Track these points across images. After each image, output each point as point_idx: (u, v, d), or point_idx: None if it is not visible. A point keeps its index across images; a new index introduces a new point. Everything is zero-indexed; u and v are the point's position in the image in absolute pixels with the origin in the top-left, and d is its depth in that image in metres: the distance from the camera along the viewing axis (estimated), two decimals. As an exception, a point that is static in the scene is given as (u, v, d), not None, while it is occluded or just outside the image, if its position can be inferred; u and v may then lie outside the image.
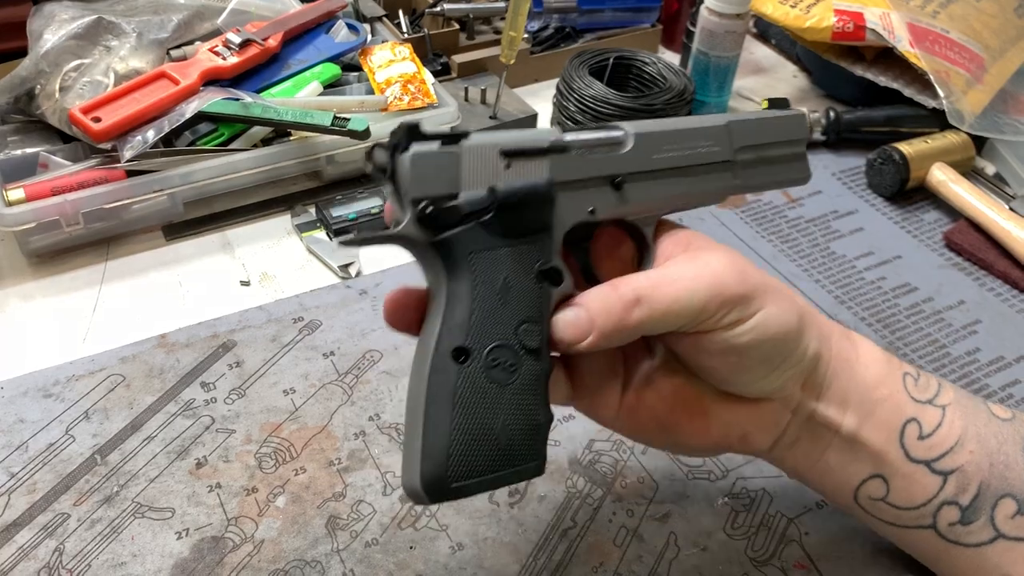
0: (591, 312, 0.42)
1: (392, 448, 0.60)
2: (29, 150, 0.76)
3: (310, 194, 0.80)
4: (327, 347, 0.66)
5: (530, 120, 0.89)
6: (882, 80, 0.91)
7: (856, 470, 0.49)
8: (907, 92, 0.90)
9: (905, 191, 0.84)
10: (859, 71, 0.93)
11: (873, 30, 0.89)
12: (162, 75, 0.76)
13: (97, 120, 0.72)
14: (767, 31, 1.09)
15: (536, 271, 0.42)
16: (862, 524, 0.56)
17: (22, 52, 0.78)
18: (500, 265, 0.41)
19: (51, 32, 0.77)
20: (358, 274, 0.73)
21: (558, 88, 0.90)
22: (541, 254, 0.42)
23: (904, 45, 0.88)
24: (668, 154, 0.46)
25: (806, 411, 0.49)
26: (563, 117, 0.89)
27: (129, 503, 0.55)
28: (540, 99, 0.94)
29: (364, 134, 0.76)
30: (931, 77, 0.85)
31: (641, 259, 0.47)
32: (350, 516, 0.56)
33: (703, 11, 0.90)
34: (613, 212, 0.45)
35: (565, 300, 0.43)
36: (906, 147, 0.84)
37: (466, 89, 0.91)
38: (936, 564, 0.51)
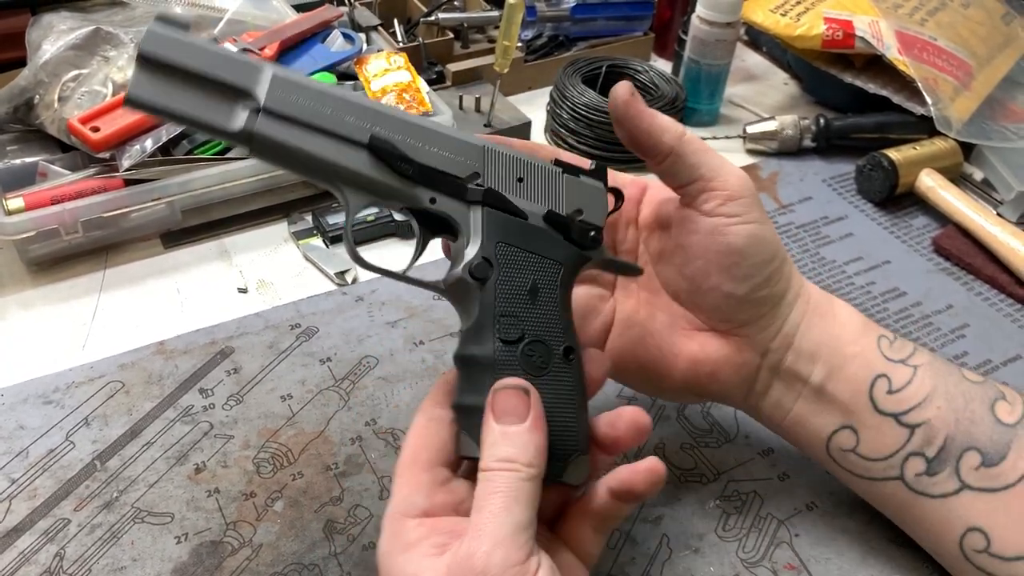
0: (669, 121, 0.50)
1: (388, 453, 0.61)
2: (28, 159, 0.77)
3: (307, 202, 0.81)
4: (324, 353, 0.67)
5: (524, 128, 0.90)
6: (871, 87, 0.92)
7: (826, 421, 0.53)
8: (896, 99, 0.91)
9: (894, 197, 0.85)
10: (849, 78, 0.94)
11: (862, 38, 0.90)
12: (160, 85, 0.77)
13: (96, 130, 0.73)
14: (758, 39, 1.11)
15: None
16: (852, 526, 0.57)
17: (21, 62, 0.79)
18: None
19: (50, 42, 0.78)
20: (354, 281, 0.74)
21: (551, 96, 0.91)
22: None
23: (893, 52, 0.89)
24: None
25: (776, 358, 0.53)
26: (556, 125, 0.90)
27: (129, 508, 0.56)
28: (534, 107, 0.95)
29: (360, 142, 0.77)
30: (919, 84, 0.86)
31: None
32: (347, 520, 0.56)
33: (694, 20, 0.91)
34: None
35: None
36: (895, 153, 0.85)
37: (461, 98, 0.92)
38: (904, 517, 0.53)
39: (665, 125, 0.49)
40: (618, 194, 0.51)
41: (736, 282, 0.50)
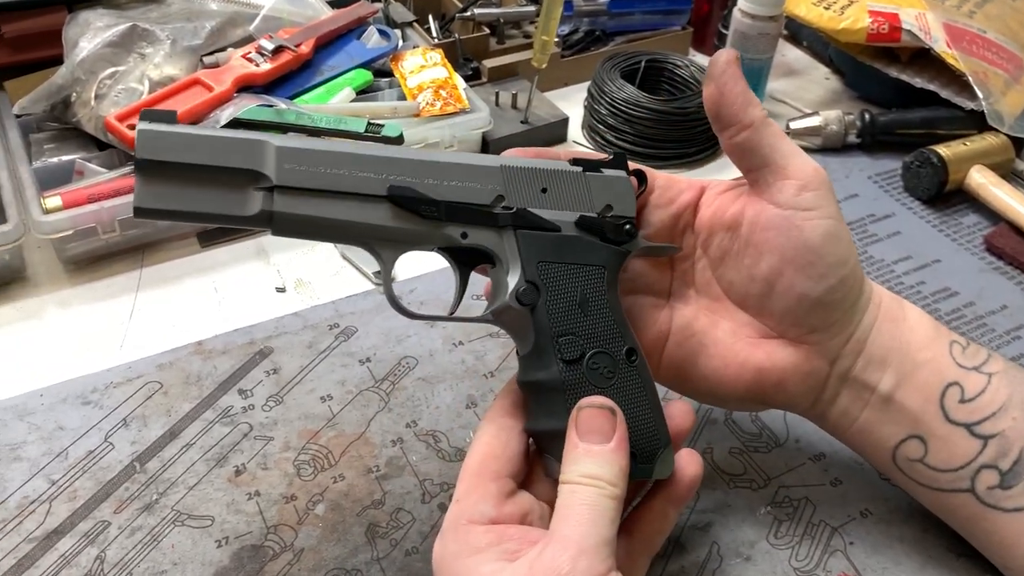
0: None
1: (430, 456, 0.59)
2: (65, 157, 0.77)
3: (343, 200, 0.80)
4: (363, 353, 0.66)
5: (562, 124, 0.89)
6: (918, 81, 0.90)
7: (894, 430, 0.50)
8: (944, 93, 0.88)
9: (943, 194, 0.83)
10: (894, 73, 0.92)
11: (909, 31, 0.88)
12: (196, 82, 0.77)
13: (133, 127, 0.72)
14: (799, 33, 1.08)
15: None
16: (908, 534, 0.55)
17: (57, 60, 0.78)
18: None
19: (87, 40, 0.77)
20: (392, 280, 0.73)
21: (589, 91, 0.90)
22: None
23: (941, 46, 0.87)
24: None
25: (845, 365, 0.50)
26: (594, 121, 0.88)
27: (169, 511, 0.55)
28: (571, 103, 0.93)
29: (398, 140, 0.75)
30: (969, 78, 0.84)
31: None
32: (389, 524, 0.55)
33: (736, 13, 0.89)
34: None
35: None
36: (944, 149, 0.82)
37: (497, 94, 0.91)
38: (972, 530, 0.51)
39: (754, 100, 0.48)
40: (641, 177, 0.50)
41: (812, 282, 0.48)
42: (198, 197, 0.42)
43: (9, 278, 0.71)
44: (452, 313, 0.49)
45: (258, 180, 0.43)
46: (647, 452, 0.45)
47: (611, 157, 0.50)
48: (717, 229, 0.52)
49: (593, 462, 0.41)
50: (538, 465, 0.47)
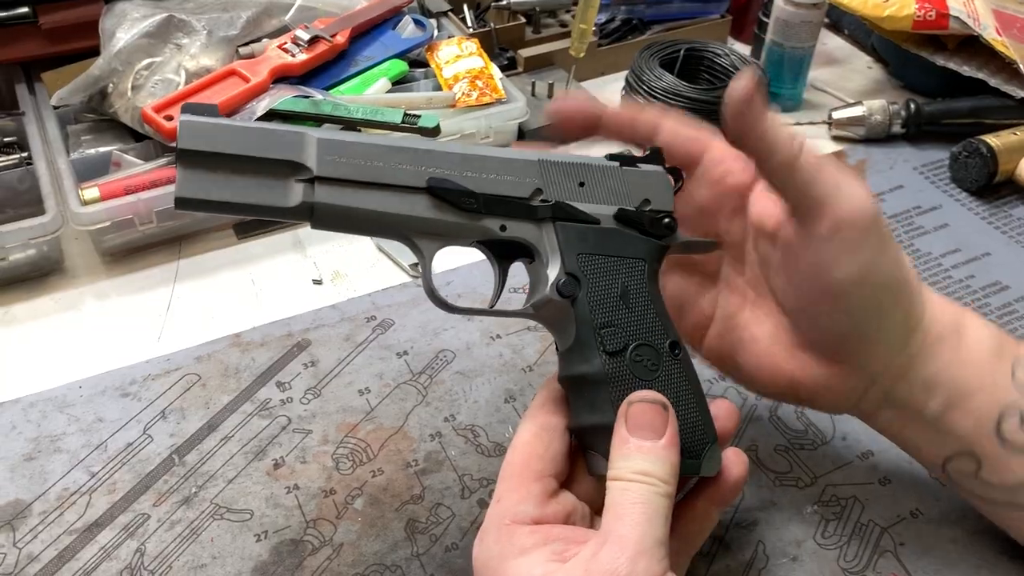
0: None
1: (468, 450, 0.59)
2: (102, 149, 0.77)
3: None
4: (400, 346, 0.66)
5: (599, 114, 0.88)
6: (966, 70, 0.88)
7: (943, 448, 0.48)
8: (993, 82, 0.86)
9: (992, 185, 0.80)
10: (941, 61, 0.89)
11: (957, 18, 0.86)
12: (232, 72, 0.76)
13: (169, 118, 0.72)
14: (840, 21, 1.06)
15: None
16: (960, 535, 0.54)
17: (94, 51, 0.78)
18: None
19: (123, 31, 0.77)
20: (429, 272, 0.72)
21: (627, 80, 0.88)
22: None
23: (990, 33, 0.84)
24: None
25: (886, 385, 0.48)
26: (633, 111, 0.87)
27: (208, 504, 0.55)
28: (607, 92, 0.92)
29: (434, 131, 0.75)
30: (1020, 66, 0.82)
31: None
32: (429, 520, 0.55)
33: (778, 1, 0.87)
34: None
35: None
36: (993, 139, 0.80)
37: (533, 84, 0.90)
38: None
39: (779, 142, 0.43)
40: (676, 174, 0.49)
41: (841, 314, 0.46)
42: (239, 188, 0.42)
43: (47, 269, 0.71)
44: (492, 306, 0.48)
45: (299, 171, 0.43)
46: (694, 448, 0.44)
47: (648, 152, 0.49)
48: (761, 234, 0.49)
49: (645, 459, 0.40)
50: (578, 465, 0.46)
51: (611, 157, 0.48)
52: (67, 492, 0.56)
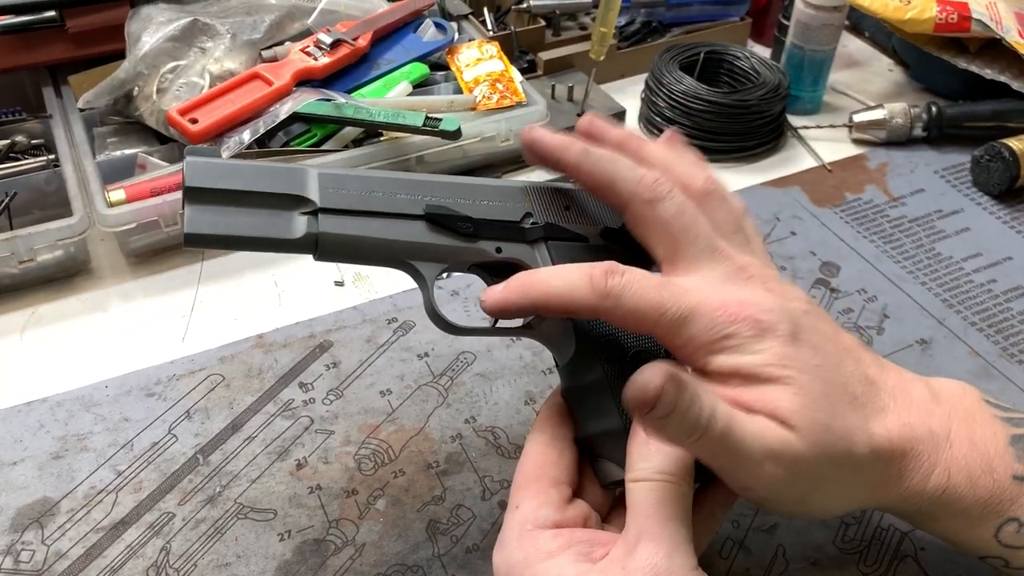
0: None
1: (489, 452, 0.59)
2: (127, 151, 0.77)
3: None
4: (421, 348, 0.66)
5: (619, 117, 0.88)
6: (988, 73, 0.87)
7: (976, 534, 0.45)
8: (1015, 85, 0.86)
9: (1014, 189, 0.80)
10: (963, 64, 0.89)
11: (979, 20, 0.85)
12: (256, 76, 0.77)
13: (194, 121, 0.73)
14: (860, 23, 1.06)
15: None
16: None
17: (120, 55, 0.79)
18: None
19: (148, 34, 0.78)
20: (449, 276, 0.73)
21: (647, 84, 0.88)
22: None
23: (1013, 35, 0.84)
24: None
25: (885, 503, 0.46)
26: (652, 113, 0.87)
27: (232, 504, 0.56)
28: (627, 95, 0.92)
29: (455, 134, 0.75)
30: (1042, 69, 0.81)
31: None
32: (450, 520, 0.55)
33: (798, 3, 0.87)
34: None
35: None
36: (1015, 143, 0.80)
37: (553, 87, 0.90)
38: None
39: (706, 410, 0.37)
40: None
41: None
42: (245, 223, 0.44)
43: (74, 270, 0.72)
44: (494, 325, 0.49)
45: (302, 204, 0.45)
46: None
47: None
48: None
49: (664, 458, 0.40)
50: (584, 476, 0.46)
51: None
52: (94, 490, 0.56)
